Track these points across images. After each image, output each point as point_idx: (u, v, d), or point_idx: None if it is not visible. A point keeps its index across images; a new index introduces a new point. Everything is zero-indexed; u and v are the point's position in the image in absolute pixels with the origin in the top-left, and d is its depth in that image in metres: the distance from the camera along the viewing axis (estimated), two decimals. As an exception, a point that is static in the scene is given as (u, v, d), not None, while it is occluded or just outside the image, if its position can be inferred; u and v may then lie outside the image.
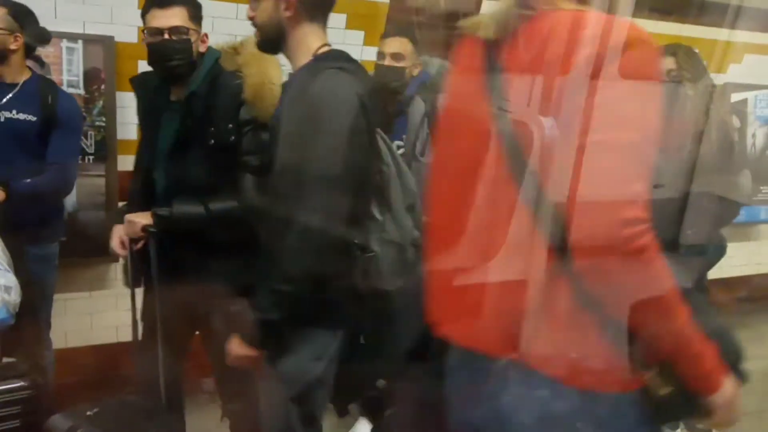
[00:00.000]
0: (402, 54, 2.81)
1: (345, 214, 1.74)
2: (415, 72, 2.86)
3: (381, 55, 2.81)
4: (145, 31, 2.34)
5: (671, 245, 2.51)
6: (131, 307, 2.41)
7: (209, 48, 2.43)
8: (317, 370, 1.87)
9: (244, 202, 2.19)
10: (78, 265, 3.29)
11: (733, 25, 4.76)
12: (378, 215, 1.87)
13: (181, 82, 2.34)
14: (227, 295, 2.09)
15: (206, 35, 2.44)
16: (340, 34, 3.67)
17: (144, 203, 2.34)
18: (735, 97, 5.01)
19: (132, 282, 2.38)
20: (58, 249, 2.94)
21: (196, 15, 2.36)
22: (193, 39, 2.33)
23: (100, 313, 3.42)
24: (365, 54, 3.49)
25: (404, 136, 2.84)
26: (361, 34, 3.70)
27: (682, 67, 2.72)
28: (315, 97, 1.71)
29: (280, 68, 2.50)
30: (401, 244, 1.89)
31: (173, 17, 2.28)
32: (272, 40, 1.89)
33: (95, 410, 2.01)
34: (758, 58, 5.01)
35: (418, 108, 2.83)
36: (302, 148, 1.73)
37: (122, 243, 2.29)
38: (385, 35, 2.88)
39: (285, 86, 1.95)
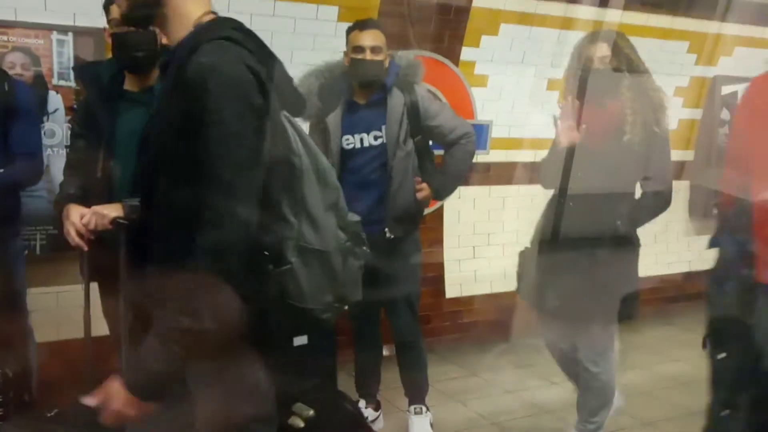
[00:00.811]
0: (381, 47, 2.81)
1: (245, 220, 1.39)
2: (386, 63, 2.86)
3: (359, 48, 2.79)
4: (111, 22, 2.42)
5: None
6: (84, 303, 2.35)
7: None
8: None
9: None
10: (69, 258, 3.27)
11: (723, 18, 4.79)
12: (291, 218, 1.55)
13: (145, 72, 2.41)
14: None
15: None
16: (331, 26, 3.67)
17: (102, 195, 2.32)
18: (726, 89, 5.03)
19: (87, 276, 2.34)
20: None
21: None
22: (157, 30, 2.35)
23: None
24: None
25: (383, 127, 2.84)
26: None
27: (616, 54, 2.63)
28: (193, 75, 1.39)
29: None
30: (324, 252, 1.59)
31: None
32: (141, 9, 1.52)
33: (55, 411, 1.96)
34: (749, 51, 5.03)
35: (397, 99, 2.84)
36: (181, 140, 1.41)
37: (81, 235, 2.23)
38: (360, 28, 2.84)
39: (161, 66, 1.60)
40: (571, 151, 2.59)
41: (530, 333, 3.12)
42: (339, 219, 1.68)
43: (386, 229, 2.86)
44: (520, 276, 2.81)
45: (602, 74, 2.60)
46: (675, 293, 5.11)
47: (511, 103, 4.30)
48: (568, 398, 2.89)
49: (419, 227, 3.13)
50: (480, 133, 4.26)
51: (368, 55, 2.78)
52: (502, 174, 4.40)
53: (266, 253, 1.50)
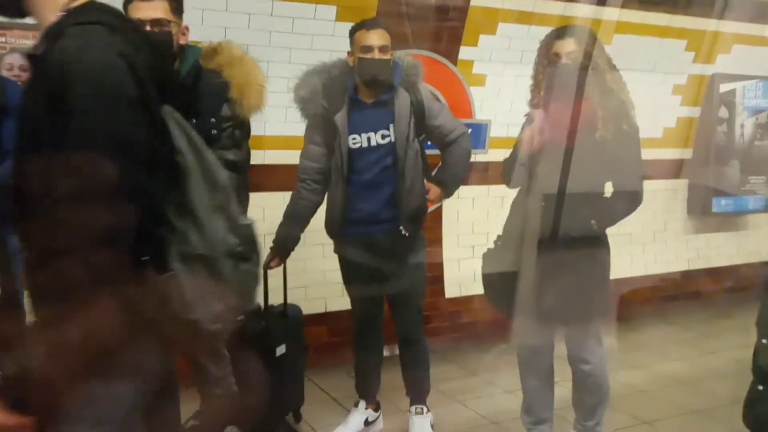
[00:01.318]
0: (388, 46, 2.80)
1: (122, 224, 1.27)
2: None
3: (368, 48, 2.78)
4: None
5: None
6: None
7: (189, 44, 2.48)
8: None
9: None
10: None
11: (721, 16, 4.79)
12: (175, 221, 1.43)
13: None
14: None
15: (187, 28, 2.47)
16: (330, 26, 3.66)
17: None
18: (724, 87, 5.03)
19: None
20: None
21: (177, 8, 2.38)
22: (174, 31, 2.35)
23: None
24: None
25: (391, 126, 2.83)
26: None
27: (583, 49, 2.56)
28: (54, 62, 1.28)
29: (261, 70, 2.63)
30: (211, 257, 1.45)
31: (155, 9, 2.31)
32: None
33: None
34: (747, 49, 5.02)
35: (404, 98, 2.84)
36: (48, 136, 1.29)
37: None
38: (368, 27, 2.82)
39: (28, 55, 1.48)
40: (535, 152, 2.58)
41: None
42: (229, 221, 1.51)
43: (401, 228, 2.87)
44: (487, 279, 2.78)
45: (570, 70, 2.56)
46: (674, 292, 5.11)
47: (509, 102, 4.28)
48: (567, 397, 2.88)
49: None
50: (478, 133, 4.26)
51: (377, 54, 2.77)
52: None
53: (146, 259, 1.36)
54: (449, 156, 2.98)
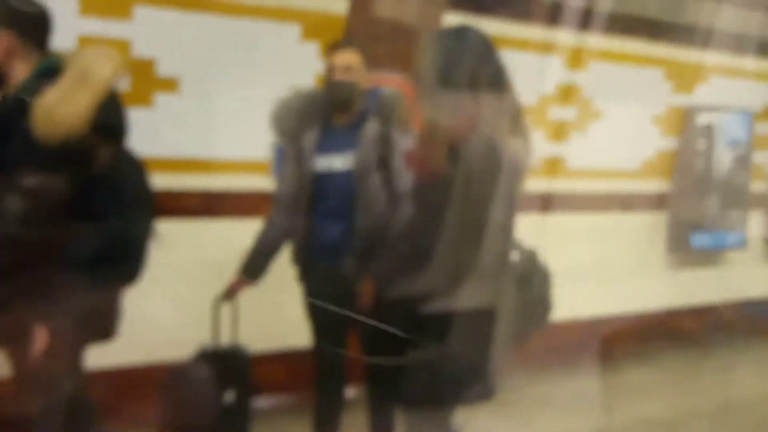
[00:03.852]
0: (352, 66, 2.65)
1: None
2: (365, 85, 2.71)
3: (331, 68, 2.66)
4: None
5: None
6: None
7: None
8: None
9: None
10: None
11: (701, 46, 4.71)
12: None
13: None
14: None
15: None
16: (293, 46, 3.49)
17: None
18: (702, 118, 4.92)
19: None
20: None
21: None
22: None
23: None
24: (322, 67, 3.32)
25: (354, 153, 2.66)
26: (315, 46, 3.52)
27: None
28: None
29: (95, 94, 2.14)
30: None
31: None
32: None
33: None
34: (724, 80, 4.95)
35: (372, 127, 2.67)
36: None
37: None
38: (332, 48, 2.71)
39: None
40: None
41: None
42: None
43: (346, 265, 2.66)
44: None
45: None
46: (652, 331, 4.94)
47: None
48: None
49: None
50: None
51: (338, 75, 2.63)
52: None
53: None
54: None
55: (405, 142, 2.70)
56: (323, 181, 2.68)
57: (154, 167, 3.22)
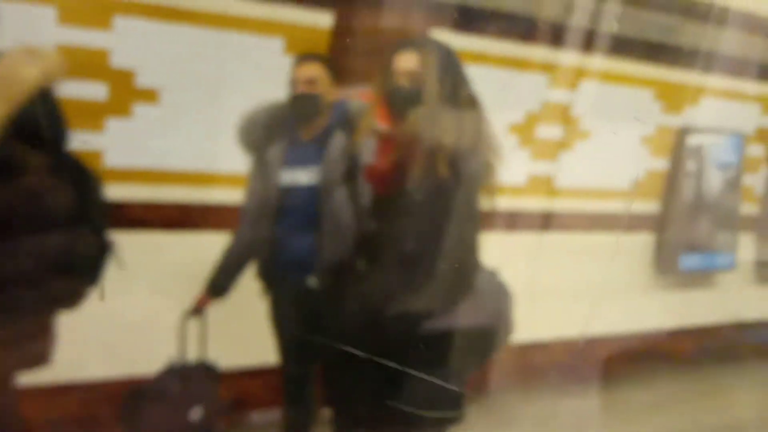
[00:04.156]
0: (316, 79, 2.62)
1: None
2: (331, 98, 2.68)
3: (294, 81, 2.63)
4: None
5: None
6: None
7: None
8: None
9: None
10: None
11: (690, 67, 4.68)
12: None
13: None
14: None
15: None
16: (276, 59, 3.46)
17: None
18: (692, 140, 4.88)
19: None
20: None
21: None
22: None
23: None
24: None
25: (320, 167, 2.63)
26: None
27: (426, 66, 2.05)
28: None
29: None
30: None
31: None
32: None
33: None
34: (715, 102, 4.91)
35: (338, 140, 2.63)
36: None
37: None
38: (297, 60, 2.69)
39: None
40: None
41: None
42: None
43: (309, 279, 2.62)
44: None
45: (407, 93, 2.07)
46: (640, 353, 4.87)
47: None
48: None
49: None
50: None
51: (300, 88, 2.61)
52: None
53: None
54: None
55: (366, 155, 2.67)
56: (289, 195, 2.65)
57: (134, 178, 3.23)
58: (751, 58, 4.75)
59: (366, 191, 2.53)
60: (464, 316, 2.08)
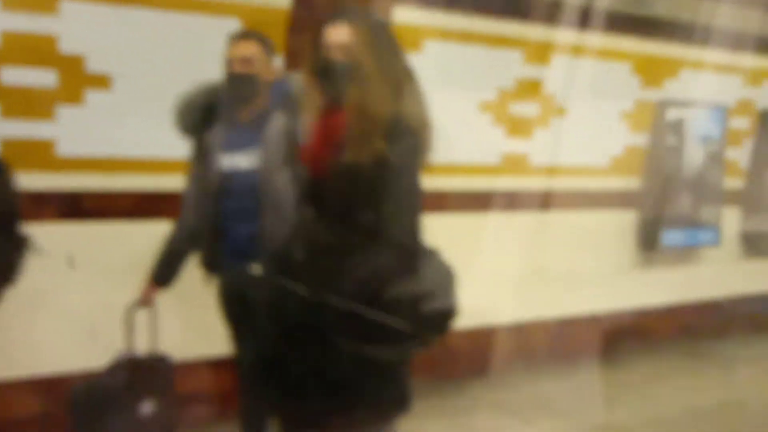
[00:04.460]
0: (251, 58, 2.50)
1: None
2: (269, 78, 2.55)
3: (228, 61, 2.51)
4: None
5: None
6: None
7: None
8: None
9: None
10: None
11: (668, 39, 4.58)
12: None
13: None
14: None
15: None
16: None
17: None
18: (671, 114, 4.78)
19: None
20: None
21: None
22: None
23: None
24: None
25: (259, 149, 2.53)
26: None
27: (358, 37, 1.95)
28: None
29: None
30: None
31: None
32: None
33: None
34: (694, 74, 4.80)
35: (277, 121, 2.52)
36: None
37: None
38: (233, 38, 2.56)
39: None
40: None
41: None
42: None
43: (253, 266, 2.53)
44: None
45: (339, 67, 1.98)
46: (621, 332, 4.81)
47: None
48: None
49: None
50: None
51: (235, 68, 2.49)
52: (432, 202, 4.09)
53: None
54: None
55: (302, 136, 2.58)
56: (229, 180, 2.54)
57: (88, 167, 3.15)
58: (730, 29, 4.64)
59: (305, 174, 2.46)
60: (406, 295, 1.99)
